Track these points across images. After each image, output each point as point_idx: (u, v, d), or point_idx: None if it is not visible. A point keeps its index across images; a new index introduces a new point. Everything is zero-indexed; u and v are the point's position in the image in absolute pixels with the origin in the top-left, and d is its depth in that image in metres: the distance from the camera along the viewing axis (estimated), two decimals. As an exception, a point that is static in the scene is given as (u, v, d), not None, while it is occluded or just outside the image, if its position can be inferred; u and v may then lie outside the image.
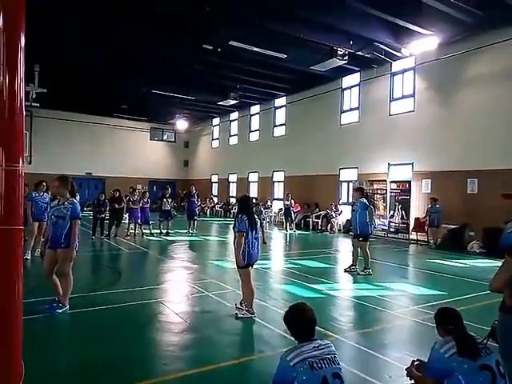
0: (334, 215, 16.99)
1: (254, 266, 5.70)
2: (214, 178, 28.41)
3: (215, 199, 27.32)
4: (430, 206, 13.12)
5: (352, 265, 8.66)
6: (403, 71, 15.11)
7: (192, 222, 15.20)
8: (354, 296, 6.80)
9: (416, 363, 2.75)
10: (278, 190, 21.78)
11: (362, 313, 5.96)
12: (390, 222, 14.82)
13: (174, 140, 31.42)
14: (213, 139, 28.89)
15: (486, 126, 12.23)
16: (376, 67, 15.44)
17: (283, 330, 4.44)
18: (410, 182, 14.22)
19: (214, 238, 15.19)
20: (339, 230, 16.86)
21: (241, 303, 5.48)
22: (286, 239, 15.22)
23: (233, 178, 26.11)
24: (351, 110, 17.45)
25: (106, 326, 5.07)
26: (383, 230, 15.04)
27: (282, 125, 21.73)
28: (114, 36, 12.88)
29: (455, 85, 13.30)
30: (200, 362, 4.01)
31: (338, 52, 13.53)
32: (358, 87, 17.09)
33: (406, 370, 2.75)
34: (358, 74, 16.74)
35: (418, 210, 14.03)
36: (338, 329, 5.05)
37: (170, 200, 14.81)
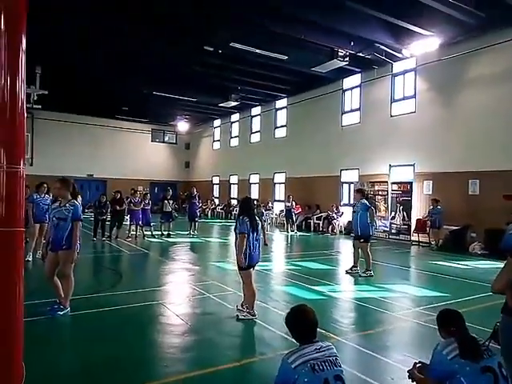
0: (335, 216, 16.97)
1: (256, 268, 5.70)
2: (215, 180, 28.42)
3: (216, 201, 27.33)
4: (431, 207, 13.10)
5: (353, 266, 8.64)
6: (404, 72, 15.11)
7: (193, 224, 15.20)
8: (356, 298, 6.78)
9: (418, 365, 2.73)
10: (279, 192, 21.77)
11: (364, 314, 5.94)
12: (391, 223, 14.79)
13: (175, 142, 31.46)
14: (214, 141, 28.92)
15: (487, 126, 12.21)
16: (377, 68, 15.43)
17: (284, 332, 4.43)
18: (411, 184, 14.20)
19: (215, 239, 15.18)
20: (340, 232, 16.84)
21: (242, 305, 5.48)
22: (288, 241, 15.21)
23: (234, 179, 26.12)
24: (352, 111, 17.45)
25: (107, 327, 5.07)
26: (385, 231, 15.02)
27: (283, 126, 21.73)
28: (114, 36, 12.88)
29: (456, 86, 13.29)
30: (201, 364, 4.00)
31: (339, 53, 13.54)
32: (358, 88, 17.09)
33: (408, 372, 2.74)
34: (359, 75, 16.75)
35: (419, 211, 14.01)
36: (340, 330, 5.04)
37: (171, 202, 14.82)
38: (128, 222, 14.16)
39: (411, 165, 14.36)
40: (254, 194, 23.10)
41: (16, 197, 2.47)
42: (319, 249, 12.71)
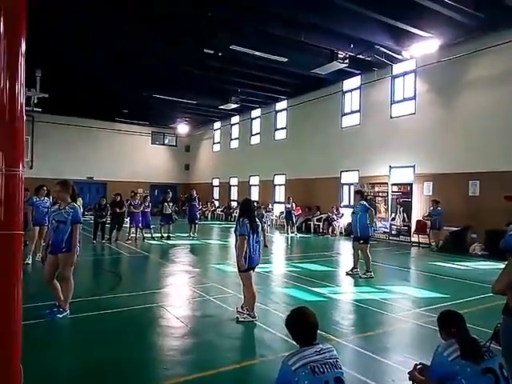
0: (335, 218, 16.97)
1: (256, 270, 5.69)
2: (215, 182, 28.42)
3: (216, 203, 27.32)
4: (431, 208, 13.10)
5: (353, 268, 8.63)
6: (404, 74, 15.13)
7: (193, 226, 15.20)
8: (356, 299, 6.78)
9: (419, 367, 2.73)
10: (279, 194, 21.77)
11: (364, 316, 5.93)
12: (391, 224, 14.79)
13: (175, 144, 31.47)
14: (214, 143, 28.94)
15: (486, 128, 12.22)
16: (377, 70, 15.45)
17: (285, 334, 4.41)
18: (411, 185, 14.20)
19: (215, 241, 15.16)
20: (341, 233, 16.83)
21: (242, 307, 5.47)
22: (288, 242, 15.20)
23: (234, 181, 26.12)
24: (352, 112, 17.47)
25: (106, 330, 5.05)
26: (385, 232, 15.01)
27: (282, 128, 21.75)
28: (114, 36, 12.87)
29: (456, 87, 13.30)
30: (201, 367, 4.00)
31: (339, 55, 13.57)
32: (358, 90, 17.11)
33: (409, 373, 2.74)
34: (359, 76, 16.77)
35: (419, 212, 14.00)
36: (340, 332, 5.02)
37: (171, 204, 14.83)
38: (128, 225, 14.15)
39: (411, 166, 14.36)
40: (254, 195, 23.10)
41: (15, 200, 2.46)
42: (319, 250, 12.70)
